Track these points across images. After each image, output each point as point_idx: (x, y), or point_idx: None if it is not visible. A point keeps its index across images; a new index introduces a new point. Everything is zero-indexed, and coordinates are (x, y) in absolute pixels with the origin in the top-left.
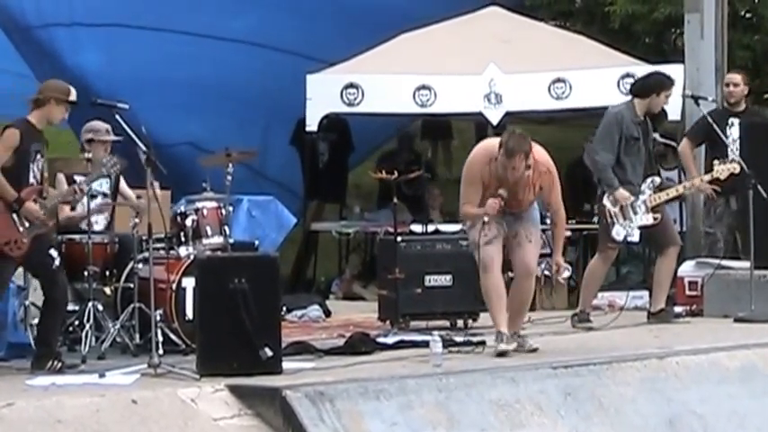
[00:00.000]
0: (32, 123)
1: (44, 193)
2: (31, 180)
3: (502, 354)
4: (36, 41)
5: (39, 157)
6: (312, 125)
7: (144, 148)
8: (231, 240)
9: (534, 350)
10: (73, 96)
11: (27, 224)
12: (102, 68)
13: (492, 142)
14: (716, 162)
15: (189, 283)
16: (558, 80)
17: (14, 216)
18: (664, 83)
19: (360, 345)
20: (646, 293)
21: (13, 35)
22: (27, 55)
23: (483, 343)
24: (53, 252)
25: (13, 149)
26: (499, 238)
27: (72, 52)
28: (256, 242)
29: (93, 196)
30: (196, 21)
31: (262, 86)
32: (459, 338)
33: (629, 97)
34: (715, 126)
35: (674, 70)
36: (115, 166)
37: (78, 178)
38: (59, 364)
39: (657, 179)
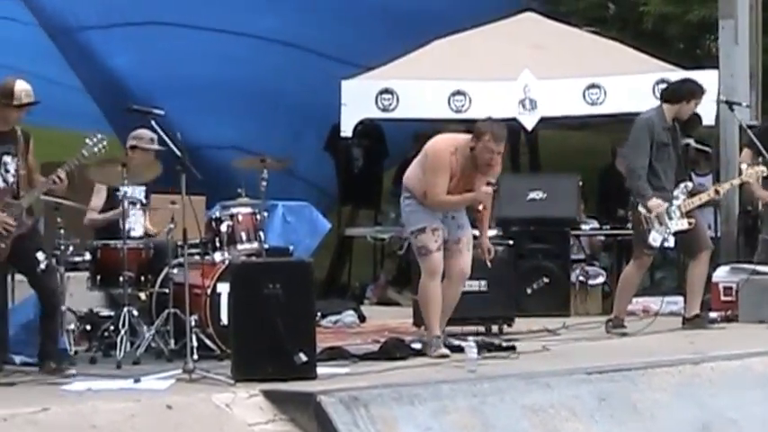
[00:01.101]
0: None
1: (21, 192)
2: (1, 184)
3: (445, 356)
4: (76, 44)
5: (7, 159)
6: (347, 131)
7: (179, 154)
8: (266, 246)
9: (462, 349)
10: (18, 99)
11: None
12: (136, 69)
13: (450, 135)
14: (743, 166)
15: (224, 288)
16: (593, 86)
17: None
18: (695, 91)
19: (394, 350)
20: (680, 299)
21: (56, 39)
22: (70, 58)
23: (513, 348)
24: (40, 255)
25: None
26: (442, 246)
27: (108, 54)
28: (291, 248)
29: (131, 203)
30: (227, 18)
31: (292, 86)
32: (495, 343)
33: (659, 103)
34: (752, 135)
35: (708, 76)
36: (100, 143)
37: (123, 188)
38: (65, 366)
39: (690, 184)
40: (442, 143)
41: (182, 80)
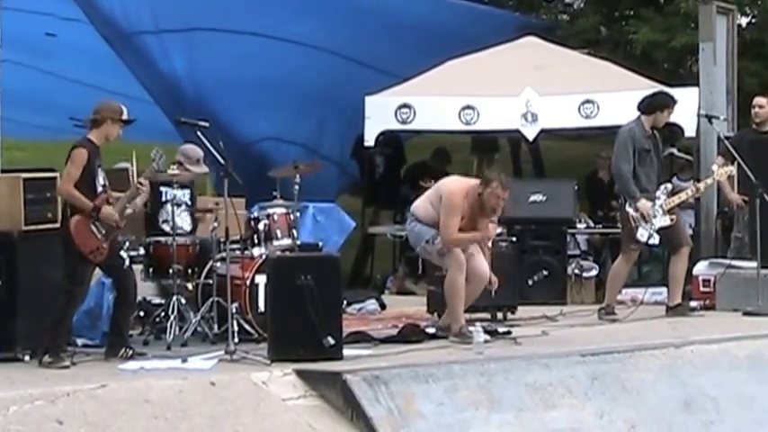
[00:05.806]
0: (93, 141)
1: (110, 200)
2: (97, 191)
3: (488, 341)
4: (131, 48)
5: (100, 170)
6: (370, 141)
7: (222, 162)
8: (298, 242)
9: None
10: (126, 115)
11: (104, 231)
12: (188, 73)
13: (462, 180)
14: (714, 167)
15: (261, 279)
16: (587, 101)
17: (93, 226)
18: (667, 102)
19: (411, 334)
20: (665, 290)
21: (113, 43)
22: (128, 62)
23: (509, 333)
24: (123, 254)
25: (83, 167)
26: None
27: (163, 58)
28: (320, 244)
29: (177, 205)
30: (263, 24)
31: (320, 82)
32: (499, 329)
33: (637, 114)
34: (727, 144)
35: (690, 93)
36: (162, 157)
37: (163, 189)
38: (131, 352)
39: (670, 185)
40: (455, 186)
41: (226, 81)
